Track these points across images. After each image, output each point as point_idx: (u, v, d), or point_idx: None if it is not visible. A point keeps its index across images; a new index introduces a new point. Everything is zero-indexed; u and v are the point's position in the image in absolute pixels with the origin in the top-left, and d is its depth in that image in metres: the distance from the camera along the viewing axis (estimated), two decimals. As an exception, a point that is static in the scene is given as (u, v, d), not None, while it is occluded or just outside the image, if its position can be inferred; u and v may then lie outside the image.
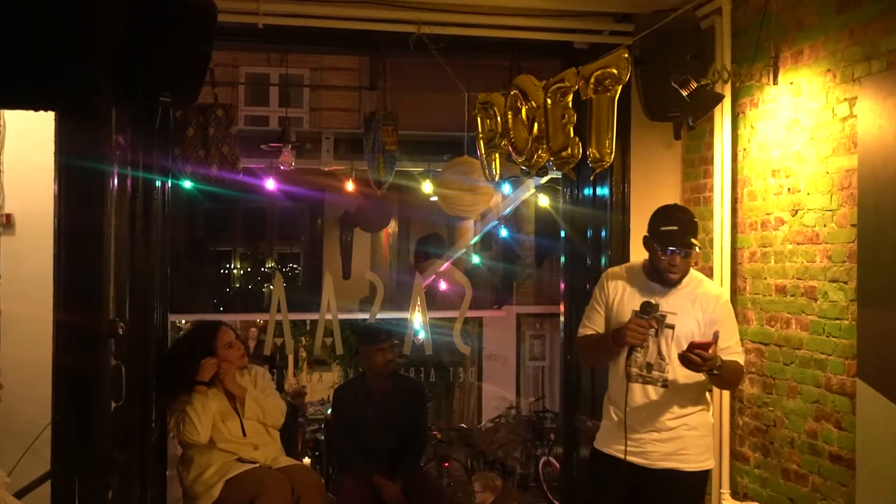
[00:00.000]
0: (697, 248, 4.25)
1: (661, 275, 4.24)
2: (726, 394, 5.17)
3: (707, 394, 4.37)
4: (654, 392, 4.23)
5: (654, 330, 4.15)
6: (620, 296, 4.36)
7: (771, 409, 4.84)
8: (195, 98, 4.74)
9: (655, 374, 4.21)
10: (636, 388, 4.26)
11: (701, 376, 4.15)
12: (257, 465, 5.19)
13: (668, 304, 4.22)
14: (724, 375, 4.12)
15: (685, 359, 4.02)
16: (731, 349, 4.20)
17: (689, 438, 4.24)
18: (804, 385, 4.56)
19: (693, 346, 4.02)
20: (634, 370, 4.24)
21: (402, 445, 5.99)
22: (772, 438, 4.84)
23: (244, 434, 5.26)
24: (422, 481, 6.09)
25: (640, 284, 4.33)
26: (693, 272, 4.38)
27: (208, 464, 5.11)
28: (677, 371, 4.17)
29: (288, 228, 16.95)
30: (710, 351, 3.99)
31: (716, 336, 4.04)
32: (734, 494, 5.17)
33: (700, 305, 4.23)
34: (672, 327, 4.20)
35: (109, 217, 3.99)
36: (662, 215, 4.30)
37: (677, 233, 4.17)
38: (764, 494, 4.90)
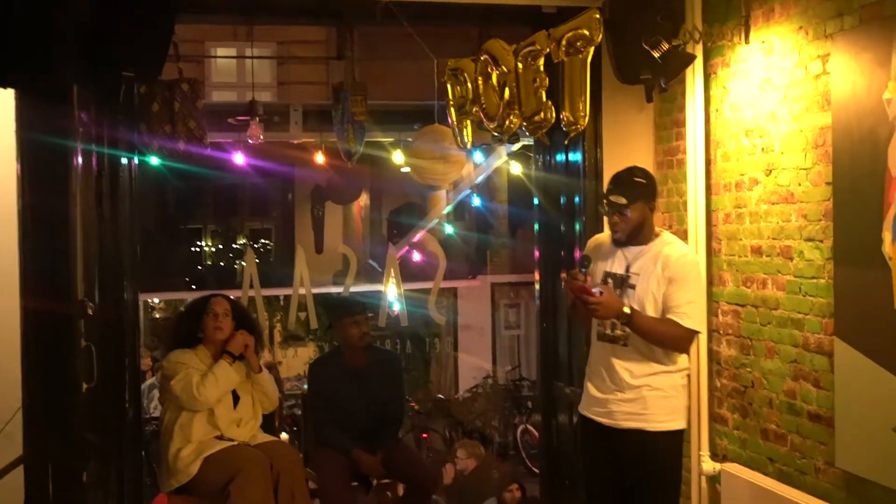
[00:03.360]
0: (623, 202, 4.25)
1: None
2: (703, 356, 5.18)
3: (680, 357, 4.34)
4: (617, 352, 4.30)
5: (618, 291, 4.25)
6: (596, 261, 4.47)
7: (749, 370, 4.84)
8: (158, 73, 4.67)
9: (618, 332, 4.29)
10: (603, 348, 4.36)
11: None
12: (235, 442, 5.14)
13: (636, 266, 4.31)
14: (638, 326, 4.16)
15: (576, 303, 4.19)
16: (674, 309, 4.19)
17: (652, 399, 4.25)
18: (782, 345, 4.55)
19: (574, 290, 4.16)
20: (601, 329, 4.38)
21: (380, 418, 5.96)
22: (750, 399, 4.84)
23: (234, 407, 5.22)
24: (401, 453, 6.07)
25: (610, 249, 4.44)
26: (665, 234, 4.42)
27: (187, 440, 5.05)
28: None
29: (259, 204, 16.83)
30: (595, 296, 4.10)
31: (599, 290, 4.19)
32: (714, 456, 5.18)
33: (661, 264, 4.26)
34: (633, 287, 4.28)
35: (75, 195, 3.93)
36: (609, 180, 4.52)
37: (606, 193, 4.39)
38: (744, 455, 4.91)
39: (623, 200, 4.25)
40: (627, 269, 4.32)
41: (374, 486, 6.06)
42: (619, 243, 4.38)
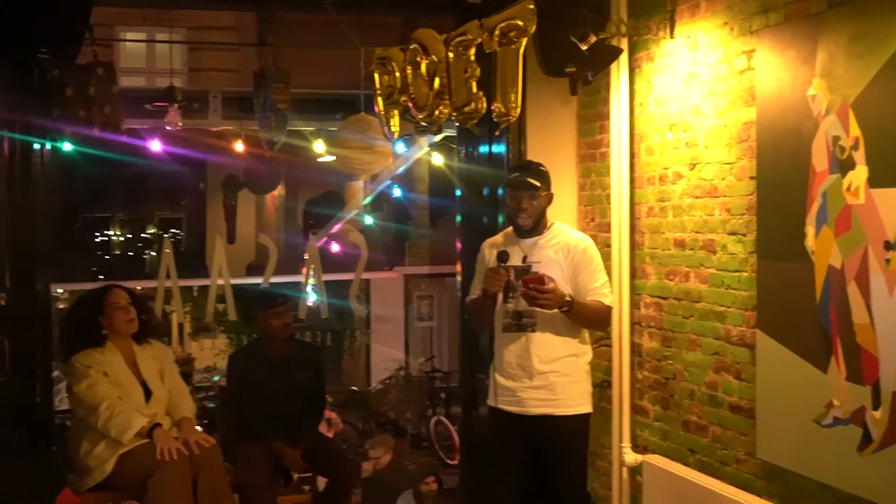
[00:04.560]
0: (538, 185, 4.51)
1: (515, 222, 4.60)
2: (625, 348, 5.20)
3: (586, 343, 4.62)
4: (524, 340, 4.50)
5: (518, 281, 4.40)
6: (494, 258, 4.59)
7: (671, 362, 4.89)
8: (75, 55, 4.53)
9: (525, 321, 4.49)
10: (509, 337, 4.55)
11: (562, 319, 4.46)
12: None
13: (533, 255, 4.53)
14: (577, 312, 4.42)
15: (526, 295, 4.33)
16: (594, 291, 4.50)
17: (561, 385, 4.47)
18: (704, 338, 4.60)
19: (528, 282, 4.31)
20: (507, 320, 4.55)
21: (301, 410, 5.88)
22: (672, 391, 4.89)
23: (147, 402, 5.08)
24: (322, 446, 6.00)
25: (511, 242, 4.65)
26: (558, 225, 4.68)
27: (101, 437, 4.90)
28: (542, 317, 4.45)
29: (170, 192, 16.51)
30: (548, 286, 4.29)
31: (546, 277, 4.34)
32: (635, 448, 5.21)
33: (562, 253, 4.53)
34: None
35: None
36: (511, 169, 4.96)
37: (518, 176, 4.59)
38: (665, 447, 4.96)
39: (538, 184, 4.51)
40: (525, 260, 4.52)
41: (294, 479, 5.99)
42: (521, 231, 4.59)
